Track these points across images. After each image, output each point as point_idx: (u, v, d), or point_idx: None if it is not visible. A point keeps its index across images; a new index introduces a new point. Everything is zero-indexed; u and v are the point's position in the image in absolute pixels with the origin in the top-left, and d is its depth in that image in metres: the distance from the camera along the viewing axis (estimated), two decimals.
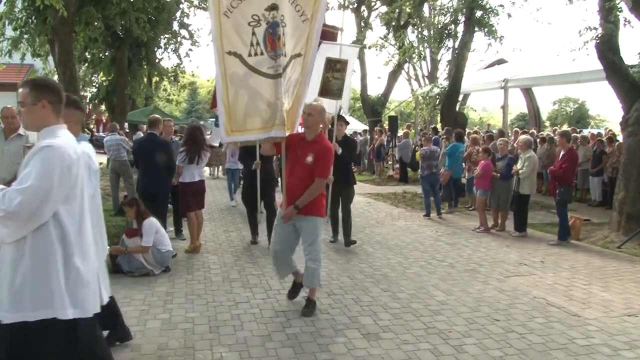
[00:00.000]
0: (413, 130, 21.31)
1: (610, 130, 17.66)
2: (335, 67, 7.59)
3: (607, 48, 9.15)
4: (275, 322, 4.78)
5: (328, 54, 7.68)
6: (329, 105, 7.73)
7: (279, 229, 5.07)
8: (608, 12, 8.97)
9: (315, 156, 4.82)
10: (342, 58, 7.66)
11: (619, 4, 8.94)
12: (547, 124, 39.56)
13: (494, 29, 14.44)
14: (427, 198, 10.53)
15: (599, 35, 9.23)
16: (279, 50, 5.03)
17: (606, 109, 48.94)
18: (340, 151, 7.25)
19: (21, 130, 6.02)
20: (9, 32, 11.91)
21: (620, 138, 12.35)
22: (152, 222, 6.16)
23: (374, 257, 7.25)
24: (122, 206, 6.73)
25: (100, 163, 15.20)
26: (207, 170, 13.90)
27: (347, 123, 8.13)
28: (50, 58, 13.99)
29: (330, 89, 7.65)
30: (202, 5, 18.16)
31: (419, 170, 10.82)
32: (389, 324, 4.78)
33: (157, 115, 8.08)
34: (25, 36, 11.79)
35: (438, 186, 10.93)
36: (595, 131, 20.94)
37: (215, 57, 5.02)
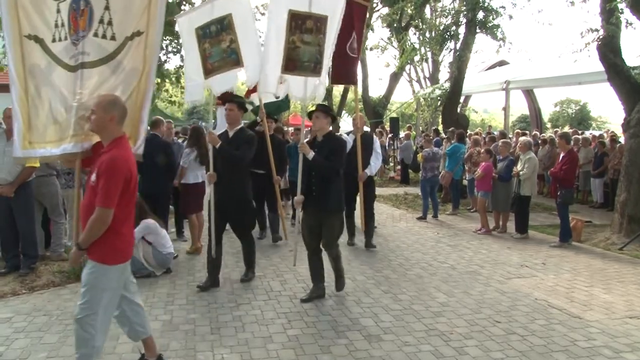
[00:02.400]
0: (414, 132, 21.31)
1: (612, 131, 17.65)
2: (304, 27, 5.26)
3: (609, 49, 9.15)
4: (277, 323, 4.78)
5: (291, 4, 5.29)
6: (298, 86, 5.48)
7: None
8: (609, 14, 8.97)
9: (97, 173, 3.28)
10: (315, 12, 5.25)
11: (620, 3, 8.92)
12: (549, 125, 39.53)
13: (499, 30, 14.44)
14: (426, 200, 10.52)
15: (601, 37, 9.23)
16: (82, 31, 3.62)
17: (608, 111, 48.89)
18: (311, 155, 5.14)
19: None
20: None
21: (622, 139, 12.34)
22: (148, 224, 6.15)
23: (375, 258, 7.24)
24: None
25: None
26: None
27: (333, 118, 5.51)
28: None
29: (298, 59, 5.33)
30: None
31: (421, 172, 10.80)
32: (390, 325, 4.78)
33: (159, 117, 8.08)
34: None
35: (437, 188, 10.94)
36: (596, 133, 20.94)
37: (7, 43, 3.77)
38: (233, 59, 5.71)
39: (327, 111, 5.41)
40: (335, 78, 6.91)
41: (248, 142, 5.72)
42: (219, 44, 5.59)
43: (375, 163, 7.69)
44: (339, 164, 5.25)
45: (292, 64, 5.36)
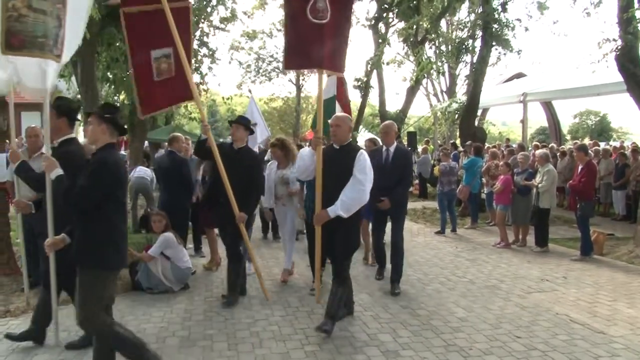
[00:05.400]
0: (432, 146, 21.24)
1: (634, 142, 17.39)
2: None
3: (628, 60, 9.06)
4: (294, 339, 4.76)
5: None
6: (32, 72, 3.88)
7: None
8: (627, 24, 8.90)
9: None
10: None
11: (637, 10, 8.83)
12: (568, 137, 39.16)
13: (509, 43, 14.45)
14: (444, 214, 10.46)
15: (619, 47, 9.15)
16: None
17: (629, 122, 48.27)
18: (54, 174, 3.73)
19: (44, 149, 6.13)
20: None
21: None
22: (168, 237, 6.18)
23: None
24: (151, 216, 6.77)
25: None
26: None
27: (118, 126, 3.64)
28: (74, 78, 14.26)
29: (27, 33, 3.65)
30: (222, 25, 18.42)
31: (438, 186, 10.76)
32: (409, 341, 4.73)
33: (177, 133, 8.18)
34: None
35: (454, 202, 10.87)
36: (617, 144, 20.66)
37: None
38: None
39: (99, 115, 3.52)
40: (288, 61, 5.01)
41: (60, 159, 4.03)
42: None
43: (350, 195, 4.56)
44: (73, 192, 3.40)
45: (18, 39, 3.60)
